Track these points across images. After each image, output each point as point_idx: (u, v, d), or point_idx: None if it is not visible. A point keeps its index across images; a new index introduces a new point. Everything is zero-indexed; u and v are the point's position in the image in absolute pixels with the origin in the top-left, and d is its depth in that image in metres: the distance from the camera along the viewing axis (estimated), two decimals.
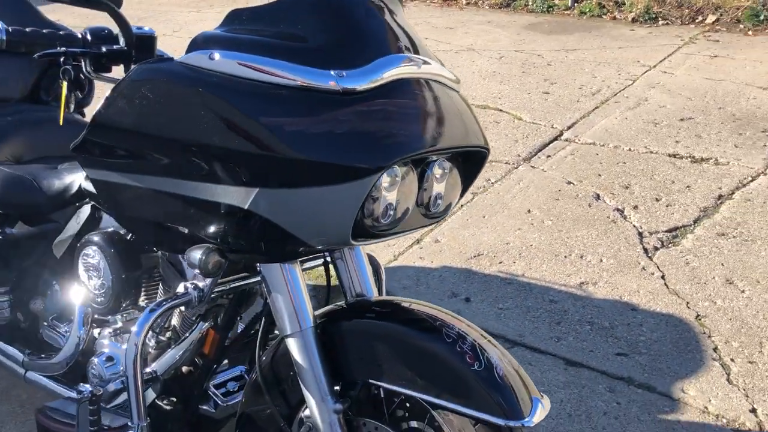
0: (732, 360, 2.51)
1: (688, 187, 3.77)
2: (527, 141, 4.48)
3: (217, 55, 1.31)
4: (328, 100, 1.30)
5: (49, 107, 2.46)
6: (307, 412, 1.59)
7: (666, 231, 3.37)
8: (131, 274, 1.81)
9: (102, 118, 1.44)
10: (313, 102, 1.30)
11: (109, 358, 1.93)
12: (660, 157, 4.16)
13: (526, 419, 1.39)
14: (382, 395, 1.60)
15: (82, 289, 1.96)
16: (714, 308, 2.80)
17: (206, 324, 1.81)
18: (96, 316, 2.03)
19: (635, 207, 3.59)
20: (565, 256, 3.20)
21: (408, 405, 1.59)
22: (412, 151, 1.34)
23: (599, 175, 3.96)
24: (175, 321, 1.89)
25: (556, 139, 4.50)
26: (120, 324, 1.99)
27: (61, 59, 1.52)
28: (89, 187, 1.92)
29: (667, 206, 3.59)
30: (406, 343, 1.51)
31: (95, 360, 1.94)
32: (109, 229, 1.88)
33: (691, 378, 2.43)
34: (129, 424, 1.58)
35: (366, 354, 1.54)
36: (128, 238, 1.84)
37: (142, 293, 1.87)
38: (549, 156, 4.26)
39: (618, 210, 3.57)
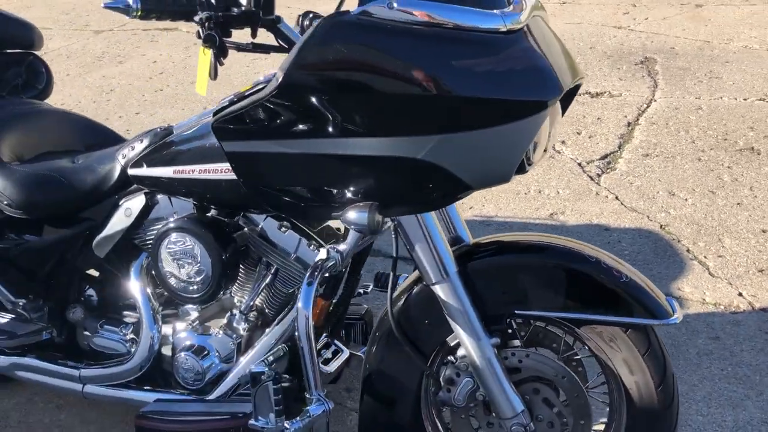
0: (705, 257, 2.87)
1: (599, 119, 4.14)
2: None
3: (395, 4, 1.30)
4: (496, 41, 1.35)
5: (25, 101, 2.22)
6: (460, 352, 1.64)
7: (600, 159, 3.70)
8: (230, 255, 1.73)
9: (292, 79, 1.36)
10: (486, 43, 1.34)
11: (200, 349, 1.84)
12: None
13: (674, 317, 1.55)
14: (514, 325, 1.67)
15: (141, 285, 1.86)
16: (671, 217, 3.16)
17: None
18: (166, 311, 1.92)
19: (563, 142, 3.89)
20: (526, 193, 3.42)
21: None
22: (567, 85, 1.43)
23: None
24: (260, 300, 1.83)
25: None
26: (196, 314, 1.89)
27: (204, 24, 1.39)
28: (140, 173, 1.80)
29: (589, 137, 3.93)
30: (550, 270, 1.60)
31: (183, 355, 1.84)
32: (193, 213, 1.77)
33: (680, 278, 2.75)
34: (308, 396, 1.54)
35: (510, 287, 1.61)
36: (217, 217, 1.76)
37: (240, 273, 1.79)
38: None
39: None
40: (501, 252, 1.66)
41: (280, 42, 1.63)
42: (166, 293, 1.92)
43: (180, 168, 1.72)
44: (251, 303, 1.84)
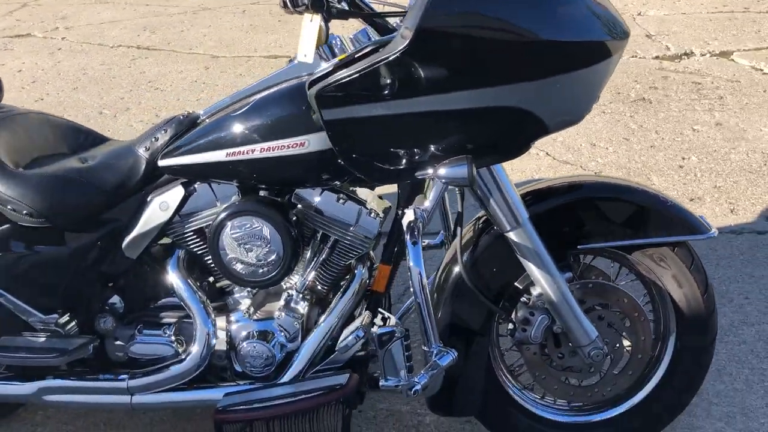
0: None
1: None
2: None
3: None
4: None
5: (6, 108, 2.02)
6: (534, 291, 1.74)
7: None
8: (298, 233, 1.71)
9: (421, 36, 1.38)
10: None
11: (265, 335, 1.80)
12: None
13: (712, 231, 1.76)
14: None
15: (183, 281, 1.80)
16: (600, 165, 3.45)
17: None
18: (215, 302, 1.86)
19: None
20: None
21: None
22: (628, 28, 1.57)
23: None
24: (316, 276, 1.83)
25: None
26: (248, 302, 1.85)
27: None
28: (176, 162, 1.73)
29: None
30: (604, 204, 1.75)
31: (248, 344, 1.80)
32: (250, 195, 1.73)
33: None
34: (426, 349, 1.56)
35: (571, 225, 1.74)
36: (275, 197, 1.73)
37: (306, 249, 1.77)
38: None
39: None
40: (555, 195, 1.78)
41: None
42: (213, 285, 1.86)
43: (236, 150, 1.67)
44: (307, 280, 1.82)
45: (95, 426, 2.18)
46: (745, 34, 5.11)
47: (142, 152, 1.81)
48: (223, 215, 1.71)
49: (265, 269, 1.72)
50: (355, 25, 1.83)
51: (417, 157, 1.53)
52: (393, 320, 1.66)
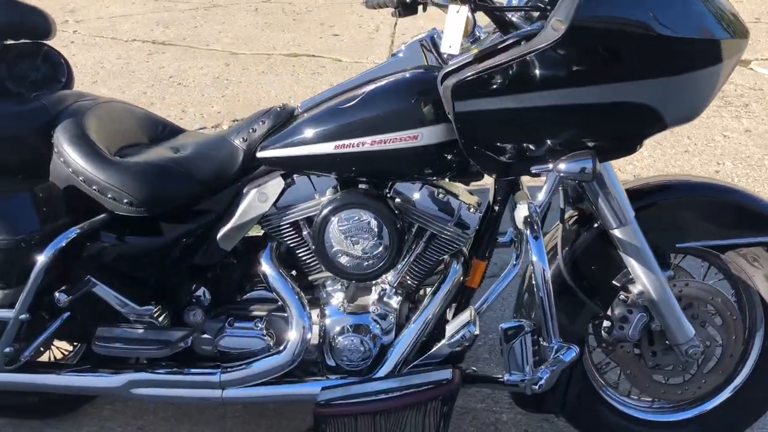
0: None
1: None
2: None
3: None
4: None
5: (78, 93, 1.99)
6: (634, 289, 1.75)
7: None
8: (403, 225, 1.70)
9: (576, 28, 1.39)
10: None
11: (363, 329, 1.79)
12: None
13: None
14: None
15: (277, 274, 1.79)
16: (640, 168, 3.49)
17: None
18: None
19: None
20: None
21: None
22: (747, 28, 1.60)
23: None
24: (410, 270, 1.82)
25: None
26: (341, 296, 1.84)
27: None
28: (277, 154, 1.72)
29: None
30: (702, 203, 1.77)
31: (344, 337, 1.79)
32: (354, 188, 1.72)
33: None
34: (546, 345, 1.56)
35: (671, 224, 1.76)
36: (377, 189, 1.72)
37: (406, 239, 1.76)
38: None
39: None
40: (653, 194, 1.79)
41: None
42: (304, 278, 1.85)
43: (345, 142, 1.66)
44: (400, 274, 1.81)
45: (165, 421, 2.15)
46: (760, 44, 5.20)
47: (239, 143, 1.79)
48: (330, 207, 1.69)
49: (371, 262, 1.71)
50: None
51: (537, 151, 1.53)
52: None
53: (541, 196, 1.62)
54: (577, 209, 1.83)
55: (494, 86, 1.45)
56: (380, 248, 1.70)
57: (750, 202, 1.79)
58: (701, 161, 3.54)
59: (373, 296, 1.83)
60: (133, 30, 5.78)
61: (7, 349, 1.70)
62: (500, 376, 1.69)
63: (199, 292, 1.89)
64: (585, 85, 1.43)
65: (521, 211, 1.60)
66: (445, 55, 1.71)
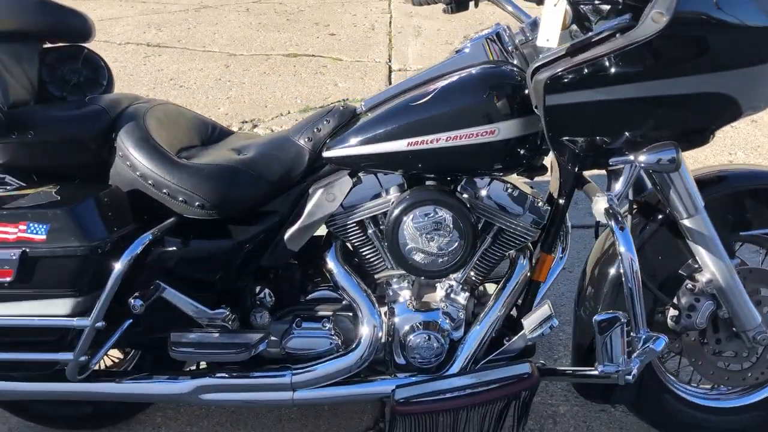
0: None
1: None
2: (371, 78, 4.68)
3: None
4: None
5: (132, 96, 1.95)
6: (702, 278, 1.77)
7: None
8: (476, 219, 1.71)
9: (678, 20, 1.41)
10: None
11: (434, 326, 1.79)
12: None
13: None
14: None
15: (345, 273, 1.80)
16: None
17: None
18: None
19: None
20: None
21: None
22: None
23: None
24: (476, 266, 1.82)
25: (391, 72, 4.79)
26: (408, 293, 1.83)
27: None
28: (345, 153, 1.72)
29: None
30: (763, 191, 1.80)
31: (416, 335, 1.79)
32: (424, 185, 1.72)
33: None
34: (635, 335, 1.57)
35: (735, 213, 1.79)
36: (447, 186, 1.72)
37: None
38: None
39: None
40: (717, 183, 1.81)
41: None
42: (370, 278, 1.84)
43: (419, 139, 1.65)
44: (467, 271, 1.81)
45: (220, 425, 2.12)
46: None
47: (304, 143, 1.78)
48: (404, 205, 1.69)
49: (445, 258, 1.71)
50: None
51: (617, 143, 1.55)
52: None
53: (618, 187, 1.63)
54: (638, 201, 1.85)
55: (588, 79, 1.46)
56: (455, 245, 1.69)
57: None
58: (713, 152, 3.60)
59: (440, 293, 1.83)
60: (125, 33, 5.70)
61: (83, 358, 1.66)
62: (578, 368, 1.71)
63: (263, 295, 1.87)
64: (678, 76, 1.45)
65: (600, 204, 1.61)
66: (514, 50, 1.72)
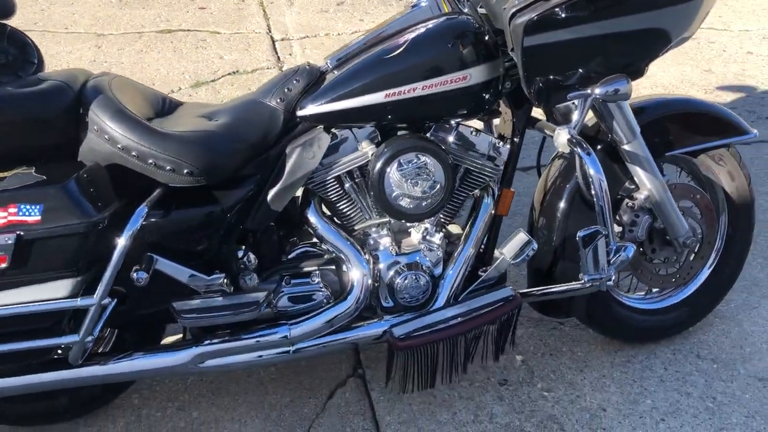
0: None
1: None
2: (255, 49, 4.65)
3: None
4: None
5: (83, 70, 1.88)
6: (639, 196, 2.02)
7: None
8: (452, 162, 1.83)
9: None
10: None
11: (417, 266, 1.92)
12: None
13: (754, 132, 2.15)
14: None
15: (329, 226, 1.89)
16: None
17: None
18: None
19: None
20: None
21: None
22: None
23: None
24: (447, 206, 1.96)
25: (275, 42, 4.79)
26: (388, 240, 1.94)
27: None
28: (320, 110, 1.80)
29: None
30: (682, 116, 2.08)
31: (402, 277, 1.91)
32: (405, 133, 1.83)
33: None
34: (612, 246, 1.79)
35: (661, 136, 2.05)
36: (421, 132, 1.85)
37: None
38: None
39: None
40: (644, 112, 2.05)
41: None
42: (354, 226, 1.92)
43: (396, 90, 1.75)
44: (439, 213, 1.94)
45: (202, 397, 2.14)
46: None
47: (276, 104, 1.82)
48: (388, 154, 1.78)
49: (429, 201, 1.82)
50: None
51: (579, 78, 1.74)
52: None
53: (575, 119, 1.82)
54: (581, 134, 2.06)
55: (561, 21, 1.62)
56: (437, 186, 1.82)
57: (714, 110, 2.12)
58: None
59: (416, 237, 1.95)
60: None
61: (88, 338, 1.62)
62: (563, 285, 1.93)
63: (246, 258, 1.89)
64: (627, 15, 1.65)
65: (562, 135, 1.80)
66: (468, 2, 1.86)
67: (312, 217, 1.88)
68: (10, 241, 1.49)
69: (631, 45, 1.73)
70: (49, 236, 1.52)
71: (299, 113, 1.81)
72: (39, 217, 1.51)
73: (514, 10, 1.64)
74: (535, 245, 1.86)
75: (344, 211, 1.92)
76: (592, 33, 1.66)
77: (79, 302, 1.59)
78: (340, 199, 1.91)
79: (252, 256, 1.89)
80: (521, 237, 1.88)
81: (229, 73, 4.35)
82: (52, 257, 1.55)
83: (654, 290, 2.27)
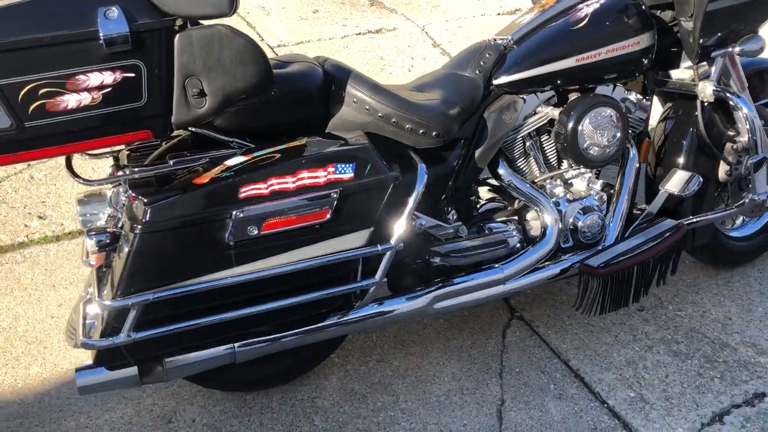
0: None
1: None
2: None
3: None
4: None
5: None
6: (743, 138, 2.44)
7: None
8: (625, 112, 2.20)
9: None
10: None
11: (591, 209, 2.24)
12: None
13: None
14: None
15: (519, 179, 2.18)
16: None
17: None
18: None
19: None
20: None
21: None
22: None
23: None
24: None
25: (273, 49, 4.96)
26: (561, 187, 2.26)
27: None
28: (518, 77, 2.11)
29: None
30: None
31: (580, 220, 2.23)
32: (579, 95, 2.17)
33: None
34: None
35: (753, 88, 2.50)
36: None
37: None
38: None
39: None
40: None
41: None
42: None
43: (585, 55, 2.08)
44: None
45: (394, 349, 2.34)
46: None
47: (475, 75, 2.09)
48: (581, 110, 2.09)
49: (612, 148, 2.16)
50: None
51: (727, 39, 2.14)
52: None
53: (713, 75, 2.23)
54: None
55: None
56: (618, 135, 2.16)
57: None
58: None
59: (582, 185, 2.28)
60: None
61: (385, 280, 1.82)
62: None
63: (451, 213, 2.15)
64: None
65: (708, 88, 2.20)
66: None
67: (504, 172, 2.16)
68: (335, 195, 1.68)
69: (762, 9, 2.18)
70: (360, 191, 1.73)
71: (495, 82, 2.09)
72: (352, 174, 1.71)
73: None
74: (701, 178, 2.24)
75: (522, 167, 2.22)
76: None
77: (380, 249, 1.80)
78: (520, 155, 2.20)
79: (453, 211, 2.16)
80: (682, 174, 2.26)
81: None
82: (358, 210, 1.75)
83: (738, 220, 2.72)
